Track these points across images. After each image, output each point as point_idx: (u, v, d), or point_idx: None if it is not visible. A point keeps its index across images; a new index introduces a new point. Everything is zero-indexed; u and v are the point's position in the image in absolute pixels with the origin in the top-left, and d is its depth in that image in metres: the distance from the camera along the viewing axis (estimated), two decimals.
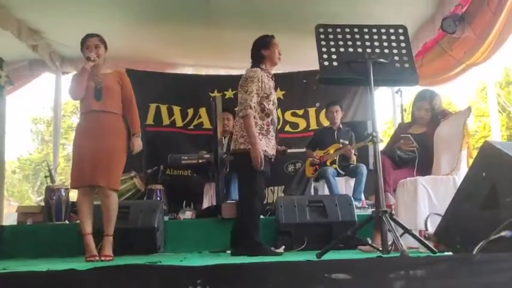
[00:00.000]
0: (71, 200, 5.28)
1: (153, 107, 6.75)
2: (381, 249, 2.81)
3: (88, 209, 3.59)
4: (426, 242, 2.82)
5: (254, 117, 3.61)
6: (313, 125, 6.87)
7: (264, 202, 6.10)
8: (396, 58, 3.04)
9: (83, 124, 3.75)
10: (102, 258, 3.47)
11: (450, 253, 2.51)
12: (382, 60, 3.00)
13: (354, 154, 5.65)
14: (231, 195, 5.21)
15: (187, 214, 5.04)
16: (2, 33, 5.34)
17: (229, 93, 6.84)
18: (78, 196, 3.65)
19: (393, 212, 2.96)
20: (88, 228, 3.56)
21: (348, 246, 3.54)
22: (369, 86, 2.97)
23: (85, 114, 3.73)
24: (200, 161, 5.29)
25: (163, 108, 6.82)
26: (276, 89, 6.71)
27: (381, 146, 3.84)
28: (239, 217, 3.86)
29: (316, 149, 5.77)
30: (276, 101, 3.86)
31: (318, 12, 4.87)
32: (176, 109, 6.85)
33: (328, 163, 5.55)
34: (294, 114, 6.89)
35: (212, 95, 6.55)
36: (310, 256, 2.90)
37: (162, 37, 6.17)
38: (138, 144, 3.75)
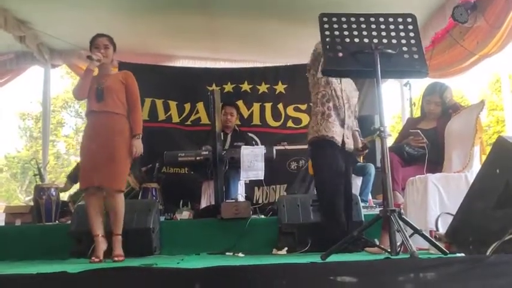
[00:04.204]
0: (61, 199, 5.28)
1: (148, 101, 6.73)
2: (389, 250, 2.81)
3: (95, 210, 3.73)
4: (437, 242, 2.82)
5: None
6: None
7: (265, 201, 6.15)
8: (405, 49, 3.03)
9: (87, 125, 3.93)
10: (115, 259, 3.60)
11: (462, 254, 2.51)
12: (389, 51, 2.99)
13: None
14: (231, 194, 5.21)
15: (185, 214, 5.04)
16: None
17: (228, 87, 6.84)
18: (85, 198, 3.81)
19: (402, 211, 2.96)
20: (98, 230, 3.69)
21: (354, 248, 3.54)
22: (376, 78, 2.96)
23: (88, 115, 3.91)
24: (198, 158, 5.27)
25: (159, 103, 6.81)
26: (277, 83, 6.81)
27: (389, 142, 3.83)
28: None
29: None
30: (336, 88, 3.91)
31: (324, 1, 4.85)
32: (172, 104, 6.84)
33: None
34: (296, 109, 6.87)
35: (210, 88, 6.53)
36: (315, 258, 2.90)
37: (156, 27, 6.16)
38: (138, 146, 3.81)
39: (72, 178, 6.06)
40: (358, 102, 6.80)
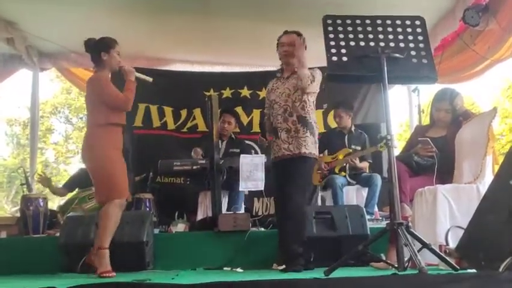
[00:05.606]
0: (49, 209, 5.27)
1: (142, 107, 6.74)
2: (396, 266, 2.80)
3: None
4: (447, 258, 2.81)
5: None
6: (321, 129, 6.84)
7: (265, 213, 6.14)
8: (413, 53, 3.05)
9: (117, 138, 3.90)
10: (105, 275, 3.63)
11: (474, 270, 2.51)
12: (397, 55, 3.00)
13: (368, 161, 5.63)
14: (238, 207, 5.19)
15: (180, 226, 5.03)
16: None
17: (226, 93, 6.84)
18: (116, 210, 3.76)
19: (410, 224, 2.96)
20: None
21: (359, 263, 3.53)
22: (383, 84, 2.97)
23: (115, 128, 3.89)
24: (194, 167, 5.27)
25: (154, 109, 6.81)
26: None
27: (396, 151, 3.83)
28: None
29: (324, 153, 5.74)
30: (275, 98, 4.05)
31: (325, 1, 4.88)
32: (168, 110, 6.85)
33: (336, 170, 5.52)
34: None
35: (208, 94, 6.54)
36: (317, 274, 2.89)
37: (151, 29, 6.17)
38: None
39: (69, 185, 5.97)
40: (363, 110, 6.90)
